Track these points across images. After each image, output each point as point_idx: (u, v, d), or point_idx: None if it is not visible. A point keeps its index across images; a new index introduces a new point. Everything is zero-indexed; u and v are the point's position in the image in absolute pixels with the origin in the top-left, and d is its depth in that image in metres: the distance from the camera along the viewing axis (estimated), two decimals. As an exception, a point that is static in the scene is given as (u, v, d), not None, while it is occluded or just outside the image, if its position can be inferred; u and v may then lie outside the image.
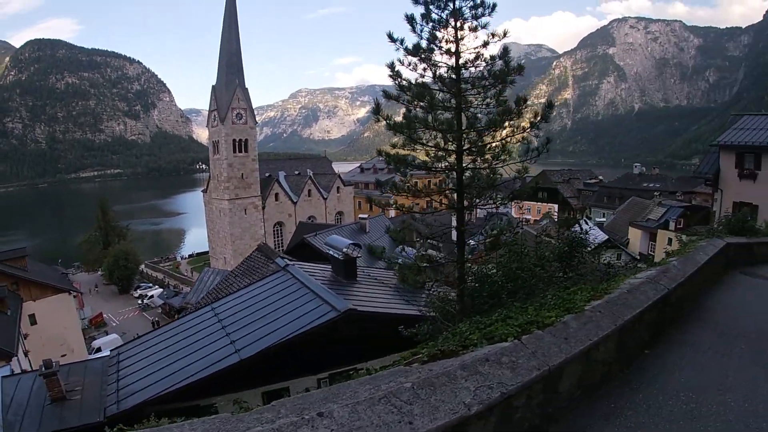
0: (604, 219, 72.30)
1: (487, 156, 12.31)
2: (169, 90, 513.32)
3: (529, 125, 12.42)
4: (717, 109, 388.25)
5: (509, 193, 13.10)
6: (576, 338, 4.99)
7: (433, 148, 12.55)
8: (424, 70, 11.74)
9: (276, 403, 3.65)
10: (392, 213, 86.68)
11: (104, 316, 68.55)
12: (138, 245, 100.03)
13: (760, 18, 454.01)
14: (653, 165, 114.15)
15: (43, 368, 14.93)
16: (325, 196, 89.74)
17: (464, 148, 12.36)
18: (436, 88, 11.90)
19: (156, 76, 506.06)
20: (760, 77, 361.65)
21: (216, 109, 78.24)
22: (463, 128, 11.97)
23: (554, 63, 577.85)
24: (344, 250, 22.17)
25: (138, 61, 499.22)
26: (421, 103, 11.72)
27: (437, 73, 11.76)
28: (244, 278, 28.47)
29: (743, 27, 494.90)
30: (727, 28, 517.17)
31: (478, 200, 13.27)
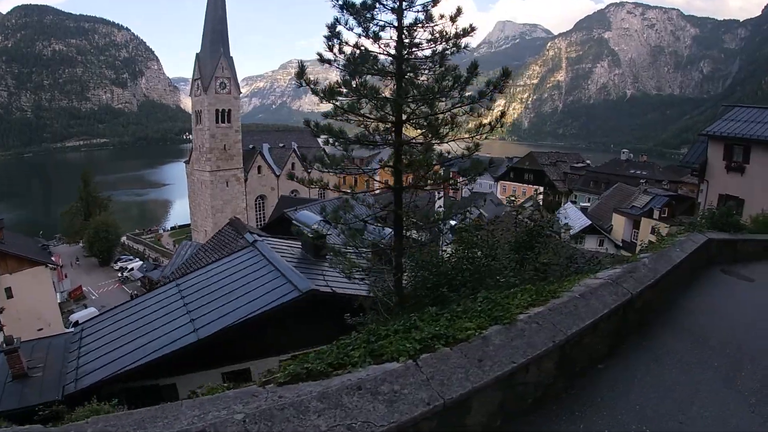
0: (589, 204, 71.81)
1: (433, 129, 10.85)
2: (157, 58, 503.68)
3: (488, 104, 10.94)
4: (709, 100, 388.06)
5: (460, 171, 11.91)
6: (495, 360, 3.98)
7: (371, 119, 11.10)
8: (365, 30, 10.10)
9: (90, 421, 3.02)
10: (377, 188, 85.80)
11: (84, 289, 67.42)
12: (121, 216, 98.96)
13: (759, 12, 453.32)
14: (642, 152, 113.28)
15: (4, 345, 15.03)
16: (309, 170, 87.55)
17: (404, 119, 10.96)
18: (377, 50, 10.37)
19: (144, 43, 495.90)
20: (754, 72, 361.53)
21: (199, 78, 76.65)
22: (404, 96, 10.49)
23: (548, 44, 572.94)
24: (313, 226, 21.34)
25: (126, 27, 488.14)
26: (358, 67, 10.25)
27: (378, 33, 10.15)
28: (214, 253, 27.99)
29: (741, 20, 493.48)
30: (724, 20, 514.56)
31: (423, 180, 11.76)
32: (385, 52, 10.32)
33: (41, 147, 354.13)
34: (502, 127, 10.87)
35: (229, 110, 78.07)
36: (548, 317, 4.82)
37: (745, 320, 7.94)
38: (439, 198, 62.20)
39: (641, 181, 71.17)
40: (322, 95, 10.26)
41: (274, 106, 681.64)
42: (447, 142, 10.88)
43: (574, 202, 75.61)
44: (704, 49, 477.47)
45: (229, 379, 20.69)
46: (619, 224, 58.83)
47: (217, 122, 76.70)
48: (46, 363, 15.65)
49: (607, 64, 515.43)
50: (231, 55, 78.99)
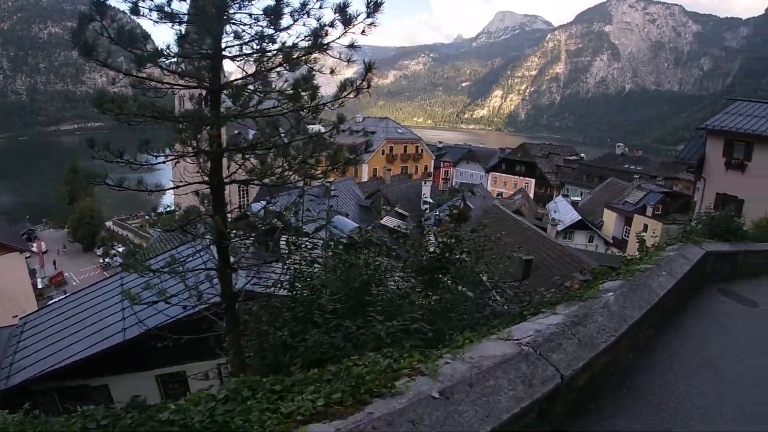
0: (580, 198, 69.78)
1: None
2: (152, 39, 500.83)
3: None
4: (708, 98, 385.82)
5: (328, 157, 8.80)
6: None
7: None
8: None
9: None
10: (365, 176, 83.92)
11: (66, 275, 65.62)
12: (112, 201, 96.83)
13: (762, 12, 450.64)
14: (638, 148, 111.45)
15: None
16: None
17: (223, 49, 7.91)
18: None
19: (140, 25, 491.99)
20: (754, 71, 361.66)
21: None
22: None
23: (548, 36, 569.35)
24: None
25: (123, 11, 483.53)
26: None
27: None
28: (175, 241, 26.80)
29: (743, 18, 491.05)
30: (726, 17, 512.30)
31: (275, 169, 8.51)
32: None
33: (36, 130, 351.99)
34: (368, 88, 8.04)
35: None
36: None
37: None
38: (426, 185, 59.77)
39: (635, 176, 69.48)
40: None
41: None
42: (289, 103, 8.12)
43: (566, 196, 73.60)
44: (705, 46, 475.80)
45: (163, 383, 18.76)
46: (610, 220, 56.89)
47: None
48: (-17, 356, 15.14)
49: (606, 57, 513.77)
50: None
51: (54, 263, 68.29)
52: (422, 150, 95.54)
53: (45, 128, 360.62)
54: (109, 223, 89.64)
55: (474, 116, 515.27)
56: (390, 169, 75.70)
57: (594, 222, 57.72)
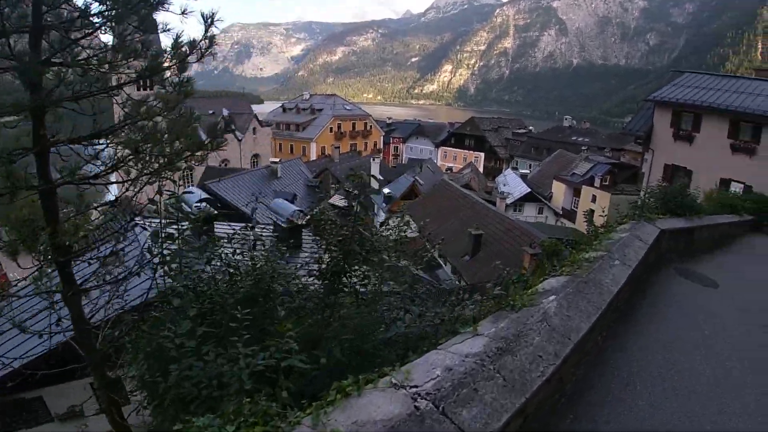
0: (529, 171, 69.55)
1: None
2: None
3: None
4: (654, 72, 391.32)
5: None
6: None
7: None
8: None
9: None
10: (314, 155, 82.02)
11: (9, 275, 60.98)
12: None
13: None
14: (585, 120, 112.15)
15: None
16: (240, 138, 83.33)
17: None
18: None
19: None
20: (700, 46, 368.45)
21: None
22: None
23: (497, 11, 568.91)
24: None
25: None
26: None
27: None
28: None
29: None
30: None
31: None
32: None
33: None
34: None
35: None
36: None
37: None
38: (374, 162, 58.44)
39: (583, 148, 69.51)
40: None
41: (216, 72, 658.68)
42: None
43: (515, 169, 73.35)
44: (652, 21, 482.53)
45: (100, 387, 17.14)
46: (559, 192, 56.86)
47: (138, 90, 70.47)
48: None
49: (554, 32, 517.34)
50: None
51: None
52: (371, 126, 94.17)
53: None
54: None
55: (424, 91, 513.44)
56: (338, 147, 74.21)
57: (543, 194, 57.56)
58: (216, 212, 16.47)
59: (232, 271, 5.11)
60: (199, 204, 16.86)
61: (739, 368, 5.38)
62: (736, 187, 24.15)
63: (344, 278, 5.38)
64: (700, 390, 4.70)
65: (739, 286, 8.89)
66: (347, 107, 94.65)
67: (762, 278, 10.14)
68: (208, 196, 17.34)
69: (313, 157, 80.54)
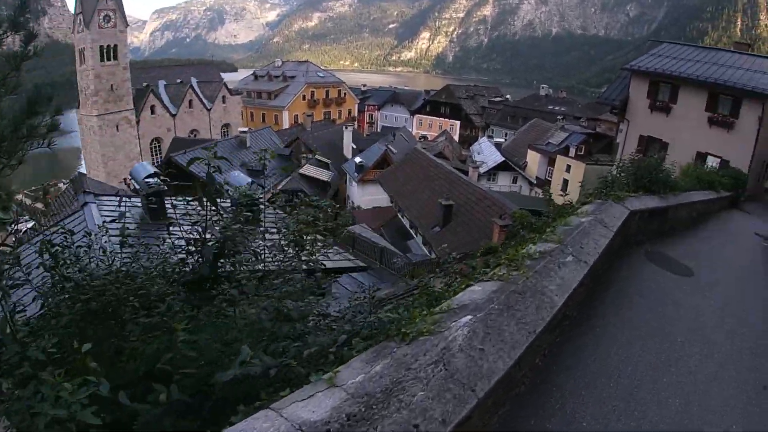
0: (505, 139, 68.60)
1: None
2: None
3: None
4: (633, 42, 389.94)
5: None
6: None
7: None
8: None
9: None
10: (286, 123, 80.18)
11: None
12: (25, 171, 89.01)
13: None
14: (563, 89, 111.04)
15: None
16: (209, 107, 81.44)
17: None
18: None
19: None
20: (679, 18, 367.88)
21: (81, 12, 68.47)
22: None
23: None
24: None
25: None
26: None
27: None
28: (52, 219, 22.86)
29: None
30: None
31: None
32: None
33: None
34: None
35: (116, 45, 70.57)
36: None
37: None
38: (347, 130, 57.11)
39: (559, 117, 68.65)
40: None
41: (188, 40, 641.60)
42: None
43: (490, 137, 72.32)
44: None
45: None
46: (533, 161, 56.27)
47: (102, 60, 69.15)
48: None
49: (534, 1, 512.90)
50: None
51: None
52: (345, 94, 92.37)
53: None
54: (19, 196, 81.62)
55: (402, 58, 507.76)
56: (311, 115, 72.62)
57: (518, 163, 56.74)
58: (165, 188, 15.27)
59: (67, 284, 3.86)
60: (148, 180, 15.57)
61: (723, 395, 4.30)
62: (712, 162, 23.39)
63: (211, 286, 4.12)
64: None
65: (716, 274, 7.88)
66: (320, 74, 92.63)
67: (741, 263, 9.19)
68: (157, 171, 16.01)
69: (286, 125, 79.07)
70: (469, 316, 3.05)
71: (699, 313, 6.05)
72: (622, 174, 9.63)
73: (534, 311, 3.46)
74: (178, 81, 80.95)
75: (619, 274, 6.31)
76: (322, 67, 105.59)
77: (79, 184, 23.40)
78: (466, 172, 43.56)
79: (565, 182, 44.93)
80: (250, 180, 16.78)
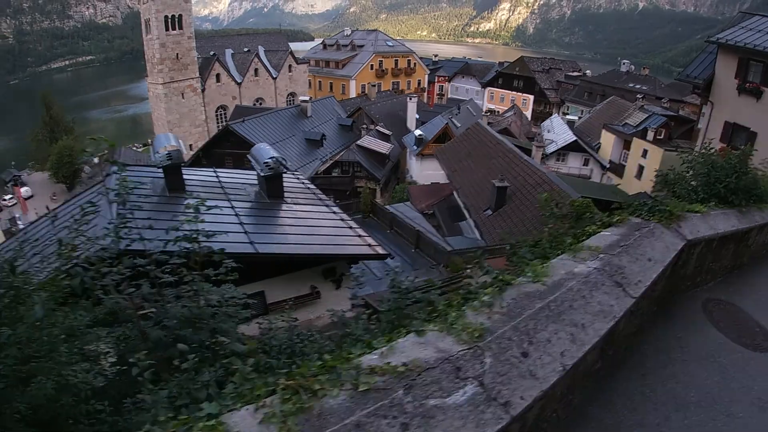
0: (579, 117, 64.69)
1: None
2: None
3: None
4: (723, 22, 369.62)
5: None
6: None
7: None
8: None
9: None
10: (353, 93, 78.91)
11: None
12: (109, 134, 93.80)
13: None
14: (645, 66, 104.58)
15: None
16: (275, 76, 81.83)
17: None
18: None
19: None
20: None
21: None
22: None
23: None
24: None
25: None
26: None
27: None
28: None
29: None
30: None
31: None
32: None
33: (26, 72, 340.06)
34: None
35: (180, 15, 72.27)
36: None
37: None
38: (411, 101, 55.18)
39: (639, 96, 64.06)
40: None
41: (266, 9, 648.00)
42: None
43: (565, 114, 68.59)
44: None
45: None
46: (608, 142, 51.87)
47: (167, 30, 71.27)
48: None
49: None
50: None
51: (47, 209, 63.99)
52: (415, 64, 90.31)
53: (36, 69, 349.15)
54: (95, 159, 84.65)
55: (480, 30, 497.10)
56: (377, 85, 71.26)
57: (590, 144, 53.01)
58: (184, 161, 14.46)
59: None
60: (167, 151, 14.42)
61: None
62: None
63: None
64: None
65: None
66: (389, 43, 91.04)
67: None
68: (176, 145, 14.92)
69: (353, 95, 78.18)
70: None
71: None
72: (689, 172, 7.18)
73: None
74: (245, 50, 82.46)
75: (650, 348, 4.07)
76: (393, 37, 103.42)
77: (110, 154, 23.14)
78: (529, 152, 40.90)
79: (641, 168, 41.48)
80: (273, 155, 15.41)
